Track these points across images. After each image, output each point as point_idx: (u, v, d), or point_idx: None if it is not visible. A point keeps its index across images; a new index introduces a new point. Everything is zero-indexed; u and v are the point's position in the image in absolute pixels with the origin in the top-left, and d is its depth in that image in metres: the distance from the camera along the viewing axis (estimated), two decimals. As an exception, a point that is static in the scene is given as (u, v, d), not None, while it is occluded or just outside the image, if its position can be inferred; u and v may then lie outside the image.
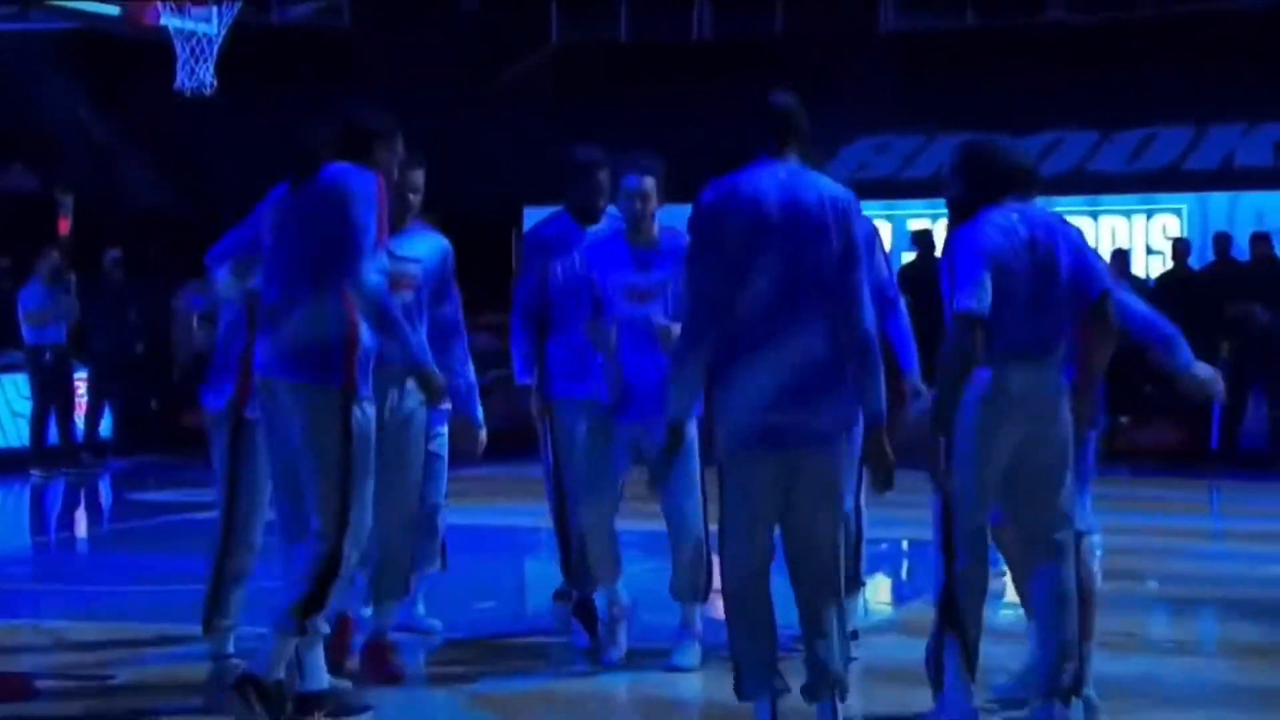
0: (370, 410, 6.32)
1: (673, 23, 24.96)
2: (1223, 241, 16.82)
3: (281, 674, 6.23)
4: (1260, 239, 16.50)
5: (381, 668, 7.15)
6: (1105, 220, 20.04)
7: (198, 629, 6.93)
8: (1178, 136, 21.31)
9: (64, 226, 21.69)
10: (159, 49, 17.79)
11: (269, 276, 6.39)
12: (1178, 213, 19.86)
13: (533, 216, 22.52)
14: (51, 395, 15.54)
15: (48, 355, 15.48)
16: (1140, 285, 16.75)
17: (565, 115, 23.40)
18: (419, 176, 7.24)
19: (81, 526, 13.97)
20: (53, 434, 15.64)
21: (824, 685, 5.86)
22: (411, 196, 7.19)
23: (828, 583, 5.86)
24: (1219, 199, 19.75)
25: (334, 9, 23.98)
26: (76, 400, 15.76)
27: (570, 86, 24.61)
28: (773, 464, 5.79)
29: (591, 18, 25.60)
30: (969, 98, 21.92)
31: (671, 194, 24.43)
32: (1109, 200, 20.33)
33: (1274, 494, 14.43)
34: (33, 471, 15.46)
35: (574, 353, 7.65)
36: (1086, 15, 22.67)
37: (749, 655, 5.86)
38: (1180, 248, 16.86)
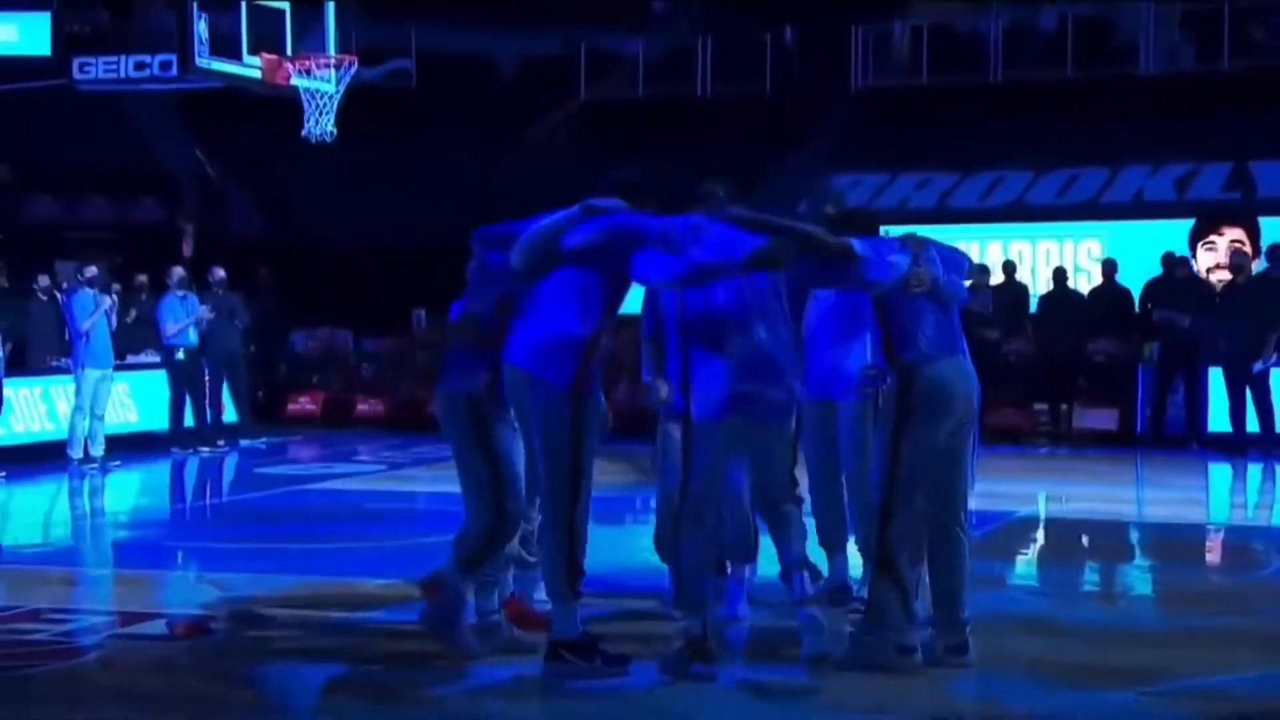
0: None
1: (680, 81, 25.17)
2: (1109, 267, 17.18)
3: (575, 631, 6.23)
4: (1180, 261, 16.70)
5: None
6: (1041, 244, 20.33)
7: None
8: (1096, 175, 21.62)
9: (186, 249, 21.99)
10: (265, 103, 18.04)
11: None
12: (1099, 237, 20.18)
13: (568, 246, 22.88)
14: (185, 387, 15.79)
15: (180, 354, 15.69)
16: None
17: (591, 162, 23.66)
18: None
19: (219, 494, 14.19)
20: (188, 419, 15.89)
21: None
22: None
23: None
24: (1132, 228, 20.07)
25: (404, 73, 24.22)
26: (205, 391, 15.97)
27: (595, 136, 24.83)
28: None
29: (616, 76, 25.86)
30: (924, 141, 22.29)
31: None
32: (1043, 228, 20.68)
33: (1189, 468, 14.66)
34: (173, 450, 15.72)
35: None
36: (1026, 73, 22.95)
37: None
38: (1108, 267, 17.09)
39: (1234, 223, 19.63)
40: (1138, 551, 10.45)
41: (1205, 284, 17.03)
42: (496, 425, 6.50)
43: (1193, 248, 19.46)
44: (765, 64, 24.81)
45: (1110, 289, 16.96)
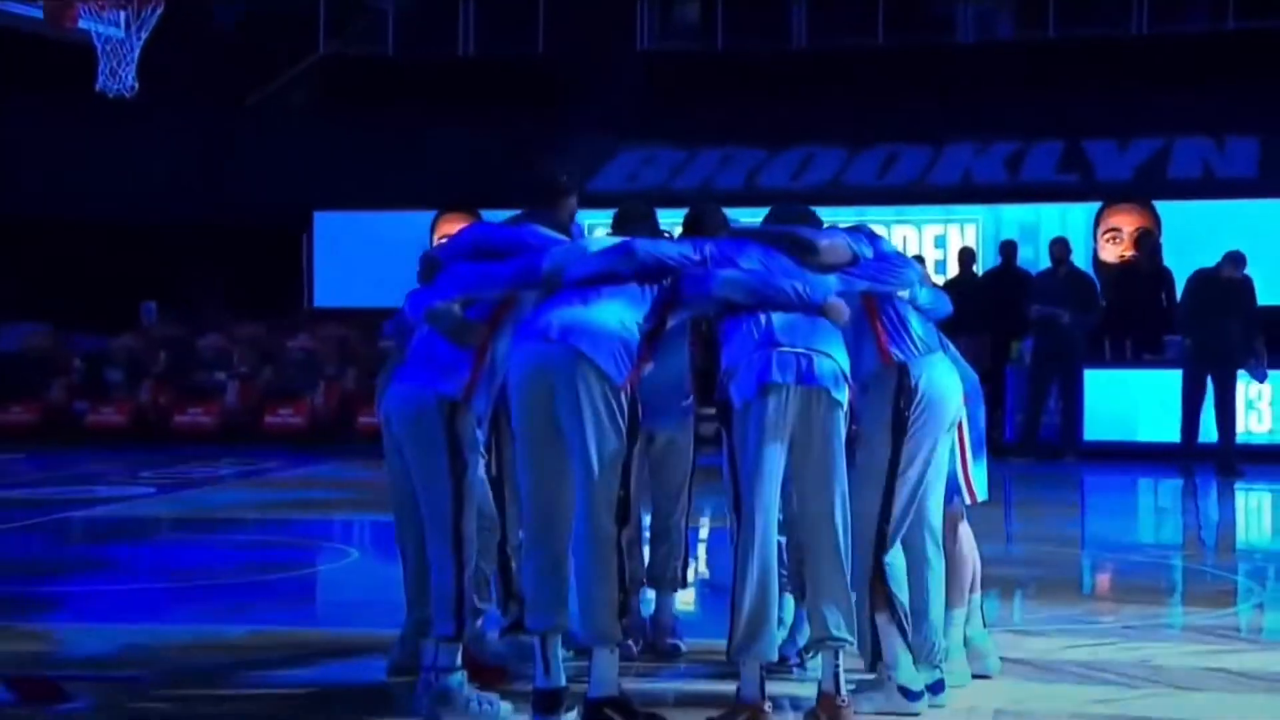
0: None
1: (441, 39, 24.72)
2: (1008, 250, 17.33)
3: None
4: (1060, 243, 16.93)
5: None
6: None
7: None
8: (919, 154, 22.00)
9: None
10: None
11: None
12: (917, 226, 20.48)
13: (324, 221, 22.26)
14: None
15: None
16: None
17: (337, 125, 23.09)
18: None
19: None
20: None
21: None
22: None
23: None
24: (963, 211, 20.43)
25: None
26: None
27: (337, 98, 24.23)
28: None
29: (360, 31, 25.25)
30: (724, 114, 22.36)
31: (432, 203, 23.92)
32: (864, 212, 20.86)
33: (1059, 481, 14.96)
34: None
35: None
36: (832, 40, 23.21)
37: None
38: (965, 256, 17.32)
39: (1131, 209, 20.10)
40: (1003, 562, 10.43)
41: (1089, 278, 17.40)
42: (472, 438, 6.27)
43: (1095, 238, 19.89)
44: (537, 20, 24.53)
45: (966, 280, 17.19)
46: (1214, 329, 15.04)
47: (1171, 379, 15.51)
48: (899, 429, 6.23)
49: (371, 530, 11.96)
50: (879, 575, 6.24)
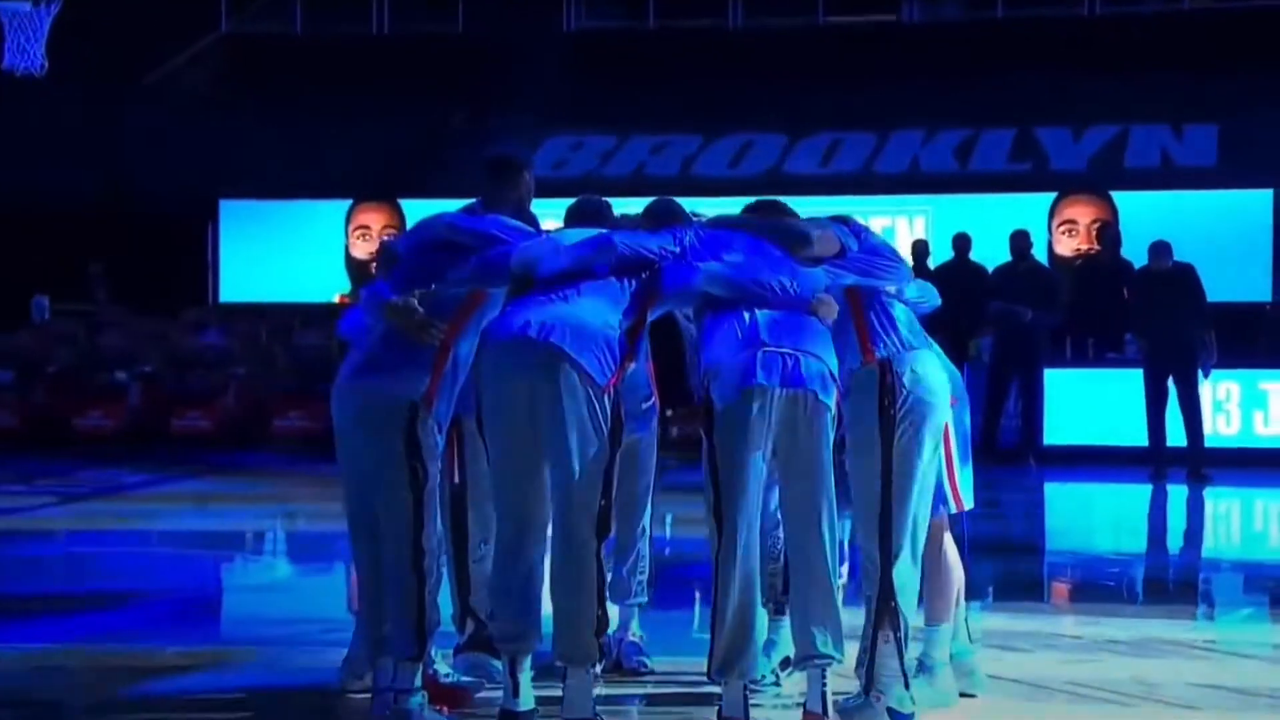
0: None
1: (353, 16, 24.56)
2: (962, 243, 17.36)
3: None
4: (1021, 236, 16.96)
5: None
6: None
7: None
8: (862, 142, 22.07)
9: None
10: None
11: None
12: (863, 218, 20.46)
13: (230, 210, 22.05)
14: None
15: None
16: None
17: (242, 108, 22.88)
18: None
19: None
20: None
21: None
22: None
23: None
24: (910, 202, 20.52)
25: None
26: None
27: (241, 79, 24.03)
28: None
29: (264, 7, 25.06)
30: (658, 98, 22.32)
31: (346, 192, 23.60)
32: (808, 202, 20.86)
33: (1020, 486, 15.04)
34: None
35: None
36: (770, 20, 23.24)
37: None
38: (919, 249, 17.33)
39: (1088, 200, 20.21)
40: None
41: (1052, 273, 17.47)
42: (433, 444, 6.20)
43: (1050, 230, 19.98)
44: (456, -1, 24.46)
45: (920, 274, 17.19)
46: (1165, 327, 15.17)
47: (1134, 379, 15.58)
48: (887, 430, 6.18)
49: (292, 540, 11.85)
50: (886, 591, 6.19)
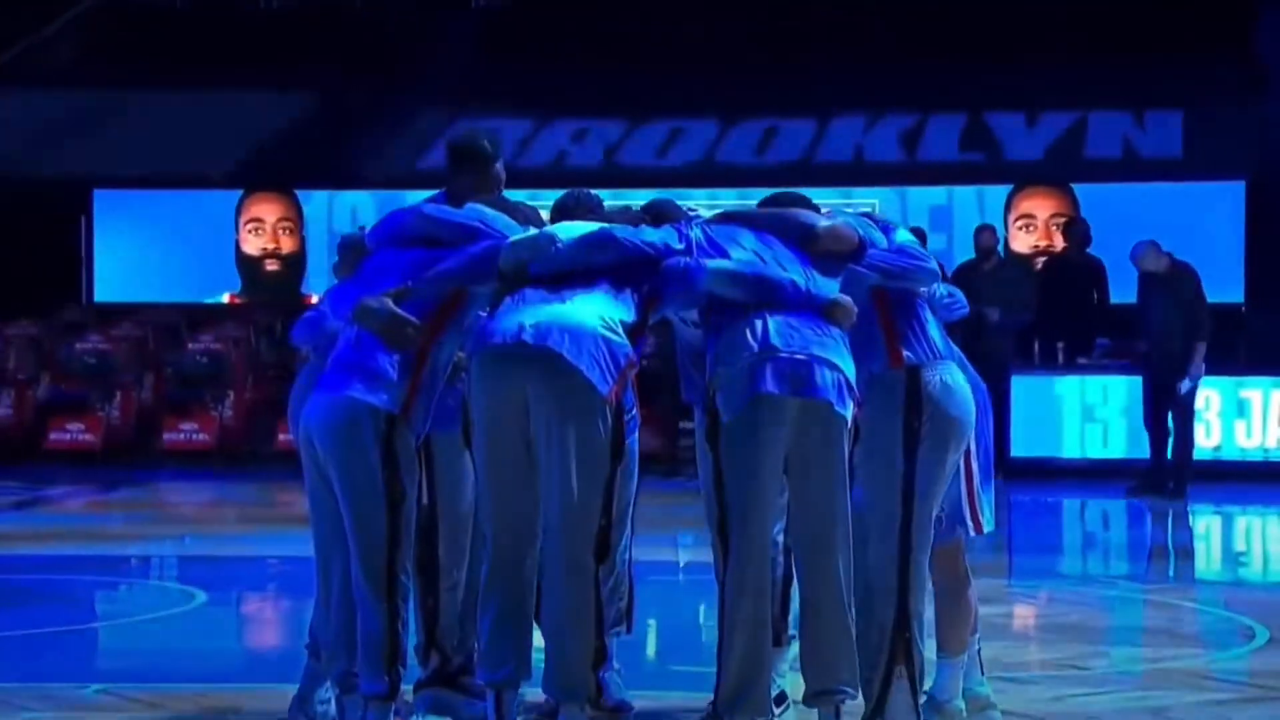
0: None
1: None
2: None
3: None
4: (987, 231, 17.00)
5: None
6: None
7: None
8: (801, 128, 22.12)
9: None
10: None
11: None
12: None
13: (105, 200, 21.77)
14: None
15: None
16: None
17: (115, 87, 22.64)
18: None
19: None
20: None
21: None
22: None
23: None
24: (858, 194, 20.58)
25: None
26: None
27: (113, 54, 23.75)
28: None
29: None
30: (577, 80, 22.26)
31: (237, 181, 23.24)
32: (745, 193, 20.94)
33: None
34: None
35: None
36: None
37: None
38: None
39: (1046, 192, 20.34)
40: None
41: (1021, 272, 17.56)
42: (410, 459, 6.14)
43: (1006, 225, 20.06)
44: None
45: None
46: (1160, 331, 15.20)
47: (1110, 385, 15.69)
48: (910, 443, 6.17)
49: (211, 569, 11.71)
50: (902, 621, 6.18)
